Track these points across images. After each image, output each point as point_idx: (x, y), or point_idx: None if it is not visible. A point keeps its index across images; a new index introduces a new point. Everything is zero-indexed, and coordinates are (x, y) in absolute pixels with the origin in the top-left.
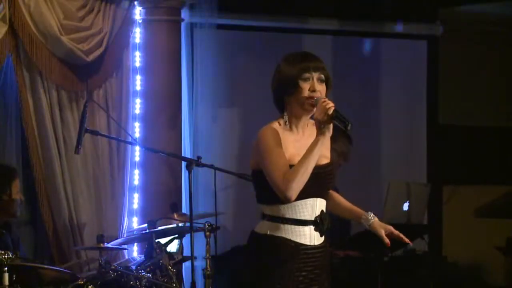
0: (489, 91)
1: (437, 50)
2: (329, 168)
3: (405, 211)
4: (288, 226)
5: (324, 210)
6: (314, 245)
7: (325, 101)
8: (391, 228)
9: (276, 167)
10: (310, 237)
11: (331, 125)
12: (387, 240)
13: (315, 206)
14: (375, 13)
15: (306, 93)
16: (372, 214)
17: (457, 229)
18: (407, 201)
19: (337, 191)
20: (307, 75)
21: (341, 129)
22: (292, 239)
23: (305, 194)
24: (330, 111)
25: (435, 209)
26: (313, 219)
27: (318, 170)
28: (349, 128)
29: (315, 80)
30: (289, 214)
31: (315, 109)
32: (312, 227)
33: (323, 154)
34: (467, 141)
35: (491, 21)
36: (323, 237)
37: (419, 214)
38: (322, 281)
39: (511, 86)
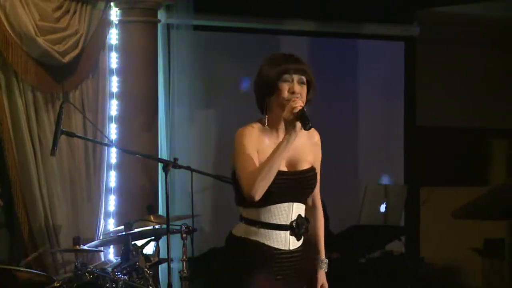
0: (466, 93)
1: (414, 51)
2: (310, 173)
3: (382, 212)
4: (263, 230)
5: (302, 215)
6: (289, 250)
7: (294, 100)
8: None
9: (244, 166)
10: (285, 241)
11: (298, 125)
12: None
13: (291, 211)
14: (352, 14)
15: (285, 94)
16: (325, 263)
17: (434, 231)
18: (384, 203)
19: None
20: (287, 77)
21: None
22: (266, 243)
23: (281, 198)
24: (296, 110)
25: (412, 210)
26: (288, 223)
27: (298, 175)
28: (307, 128)
29: (295, 82)
30: (265, 218)
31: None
32: (287, 232)
33: (305, 158)
34: (444, 142)
35: (468, 22)
36: (300, 241)
37: (396, 215)
38: (299, 286)
39: (488, 87)
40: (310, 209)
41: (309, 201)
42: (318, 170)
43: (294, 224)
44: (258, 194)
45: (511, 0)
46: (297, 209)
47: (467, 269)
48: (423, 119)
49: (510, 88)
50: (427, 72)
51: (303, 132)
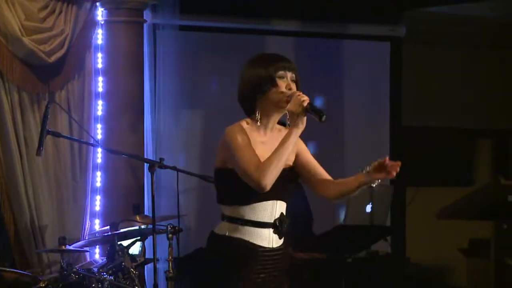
0: (451, 93)
1: (400, 52)
2: (292, 172)
3: (368, 212)
4: (247, 228)
5: (284, 213)
6: (272, 248)
7: (299, 94)
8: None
9: (247, 160)
10: (268, 239)
11: (305, 118)
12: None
13: (275, 209)
14: (338, 14)
15: (283, 89)
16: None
17: (420, 231)
18: (370, 203)
19: None
20: (282, 73)
21: None
22: (251, 240)
23: (264, 196)
24: (305, 104)
25: (398, 210)
26: (272, 221)
27: (282, 173)
28: (323, 119)
29: (289, 79)
30: (248, 216)
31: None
32: (271, 230)
33: (287, 157)
34: (430, 142)
35: (454, 22)
36: (282, 240)
37: (382, 215)
38: (281, 284)
39: (474, 87)
40: (328, 183)
41: (323, 177)
42: (312, 159)
43: (277, 222)
44: (269, 184)
45: (497, 0)
46: (280, 207)
47: (452, 269)
48: (408, 119)
49: (496, 88)
50: (413, 72)
51: (282, 132)
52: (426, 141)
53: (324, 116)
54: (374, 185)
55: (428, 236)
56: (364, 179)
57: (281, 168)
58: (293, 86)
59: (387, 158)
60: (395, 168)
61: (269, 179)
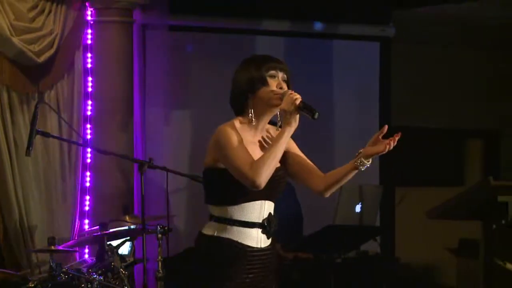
0: (441, 93)
1: (389, 52)
2: (281, 172)
3: (357, 213)
4: (235, 228)
5: (272, 213)
6: (261, 248)
7: (292, 93)
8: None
9: (241, 158)
10: (257, 239)
11: (297, 116)
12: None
13: (263, 209)
14: (328, 14)
15: (274, 88)
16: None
17: (410, 231)
18: (360, 203)
19: None
20: (274, 73)
21: None
22: (239, 241)
23: (253, 196)
24: (297, 102)
25: (387, 210)
26: (260, 221)
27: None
28: (316, 116)
29: (280, 78)
30: (237, 216)
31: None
32: (259, 230)
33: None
34: (419, 143)
35: (444, 22)
36: (270, 240)
37: (371, 215)
38: (269, 283)
39: (463, 87)
40: (320, 177)
41: (315, 173)
42: (303, 156)
43: (265, 222)
44: (264, 182)
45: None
46: (268, 207)
47: (442, 269)
48: (398, 119)
49: (485, 89)
50: (402, 72)
51: (272, 133)
52: (416, 141)
53: (317, 113)
54: (363, 168)
55: (418, 236)
56: (353, 165)
57: (275, 167)
58: (284, 86)
59: (386, 126)
60: (393, 139)
61: (263, 178)
